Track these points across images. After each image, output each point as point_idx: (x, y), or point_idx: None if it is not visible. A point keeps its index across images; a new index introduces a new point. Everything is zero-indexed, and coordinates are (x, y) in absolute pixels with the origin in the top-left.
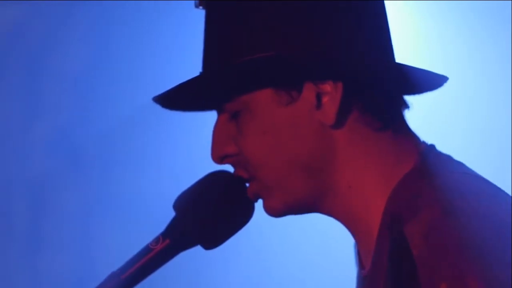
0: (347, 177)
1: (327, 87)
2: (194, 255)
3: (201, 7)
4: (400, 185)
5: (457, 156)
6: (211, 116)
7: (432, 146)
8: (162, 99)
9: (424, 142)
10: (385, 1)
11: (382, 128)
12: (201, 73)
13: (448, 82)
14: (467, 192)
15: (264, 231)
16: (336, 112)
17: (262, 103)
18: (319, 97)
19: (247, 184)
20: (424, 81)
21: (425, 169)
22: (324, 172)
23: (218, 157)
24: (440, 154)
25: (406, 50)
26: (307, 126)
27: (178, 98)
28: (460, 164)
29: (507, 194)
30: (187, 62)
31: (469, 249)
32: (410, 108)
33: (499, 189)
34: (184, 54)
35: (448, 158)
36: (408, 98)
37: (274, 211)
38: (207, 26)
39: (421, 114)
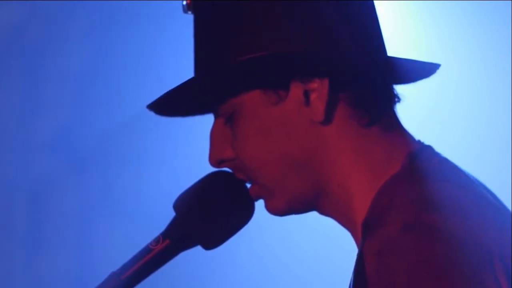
0: (337, 175)
1: (314, 84)
2: (194, 255)
3: (189, 12)
4: (381, 191)
5: (457, 157)
6: (211, 116)
7: (427, 147)
8: (156, 107)
9: (419, 142)
10: (385, 1)
11: (370, 123)
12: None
13: (448, 82)
14: (439, 206)
15: (264, 231)
16: (324, 108)
17: (251, 105)
18: (306, 94)
19: (248, 184)
20: (415, 70)
21: (410, 173)
22: (318, 171)
23: (215, 162)
24: (432, 156)
25: (405, 50)
26: (297, 124)
27: (171, 105)
28: (452, 169)
29: (494, 210)
30: (190, 63)
31: (421, 270)
32: (401, 101)
33: (486, 203)
34: (186, 54)
35: (441, 161)
36: (403, 94)
37: (276, 211)
38: (194, 30)
39: (421, 115)
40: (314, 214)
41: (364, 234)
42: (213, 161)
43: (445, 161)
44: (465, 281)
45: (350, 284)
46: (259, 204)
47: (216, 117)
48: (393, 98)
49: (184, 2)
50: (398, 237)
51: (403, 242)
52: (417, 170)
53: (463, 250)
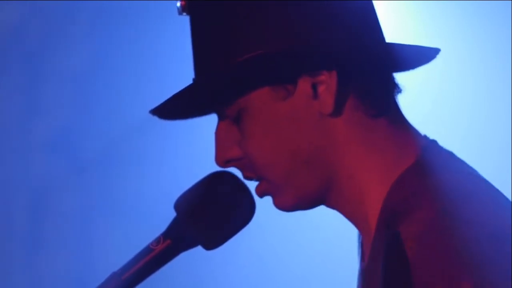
0: (347, 166)
1: (322, 76)
2: (195, 256)
3: (184, 14)
4: (400, 181)
5: (457, 155)
6: (212, 117)
7: (434, 142)
8: (159, 111)
9: (425, 137)
10: (385, 1)
11: (378, 114)
12: (193, 81)
13: (448, 82)
14: (466, 194)
15: (265, 231)
16: (333, 100)
17: (259, 102)
18: (315, 87)
19: (246, 182)
20: (416, 57)
21: (425, 165)
22: (327, 164)
23: (222, 162)
24: (442, 150)
25: None
26: (306, 117)
27: (174, 109)
28: (461, 163)
29: (506, 198)
30: (191, 63)
31: (464, 253)
32: (402, 91)
33: (499, 192)
34: (187, 54)
35: (450, 155)
36: (404, 88)
37: (285, 207)
38: (192, 32)
39: (422, 114)
40: (314, 214)
41: (390, 222)
42: (220, 161)
43: (453, 155)
44: (503, 264)
45: (358, 281)
46: (259, 203)
47: (220, 117)
48: (396, 88)
49: (178, 4)
50: (438, 220)
51: (443, 224)
52: (432, 162)
53: (496, 235)
